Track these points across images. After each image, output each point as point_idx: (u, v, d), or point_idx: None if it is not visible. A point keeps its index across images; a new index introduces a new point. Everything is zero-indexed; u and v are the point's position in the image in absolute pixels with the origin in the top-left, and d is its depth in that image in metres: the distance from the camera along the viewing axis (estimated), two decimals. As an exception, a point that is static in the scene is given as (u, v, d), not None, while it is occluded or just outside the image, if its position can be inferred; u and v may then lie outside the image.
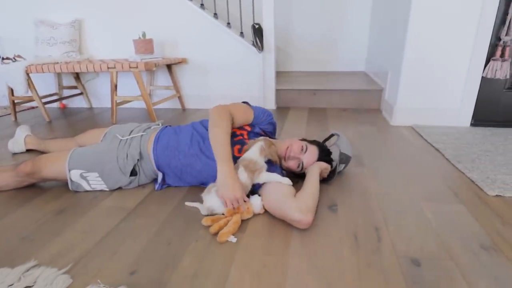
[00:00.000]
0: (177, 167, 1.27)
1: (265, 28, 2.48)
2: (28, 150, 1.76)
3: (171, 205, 1.19)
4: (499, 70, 1.90)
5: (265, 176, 1.14)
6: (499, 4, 1.82)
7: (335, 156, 1.31)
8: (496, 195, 1.22)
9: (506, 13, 1.83)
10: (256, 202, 1.10)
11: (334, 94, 2.71)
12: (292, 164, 1.26)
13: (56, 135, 2.11)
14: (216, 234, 0.99)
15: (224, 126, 1.18)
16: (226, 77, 2.70)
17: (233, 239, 0.98)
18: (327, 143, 1.41)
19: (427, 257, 0.89)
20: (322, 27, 3.68)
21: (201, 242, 0.98)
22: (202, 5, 2.56)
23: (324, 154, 1.29)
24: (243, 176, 1.10)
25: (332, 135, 1.48)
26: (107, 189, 1.30)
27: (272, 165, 1.20)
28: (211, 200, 1.11)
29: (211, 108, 1.24)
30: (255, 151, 1.16)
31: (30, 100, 2.52)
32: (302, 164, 1.25)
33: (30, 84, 2.39)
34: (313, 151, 1.27)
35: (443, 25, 1.92)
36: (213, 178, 1.13)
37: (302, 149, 1.25)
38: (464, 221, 1.06)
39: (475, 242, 0.95)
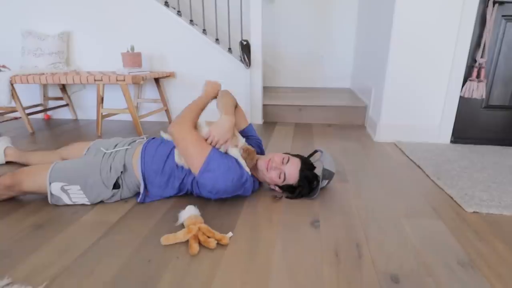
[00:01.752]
0: (166, 171, 1.27)
1: (253, 44, 2.53)
2: (8, 163, 1.71)
3: (153, 220, 1.18)
4: (476, 90, 1.99)
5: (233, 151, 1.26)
6: (474, 28, 1.93)
7: (318, 171, 1.33)
8: (474, 212, 1.26)
9: (480, 36, 1.93)
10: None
11: (319, 110, 2.77)
12: (273, 175, 1.28)
13: (39, 147, 2.07)
14: (197, 251, 0.99)
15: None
16: (214, 92, 2.72)
17: (229, 234, 1.07)
18: (311, 159, 1.44)
19: (406, 274, 0.90)
20: (309, 44, 3.78)
21: (182, 259, 0.96)
22: (191, 21, 2.61)
23: (307, 167, 1.31)
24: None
25: (316, 151, 1.51)
26: (88, 203, 1.27)
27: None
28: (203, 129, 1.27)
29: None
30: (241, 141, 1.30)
31: (13, 110, 2.47)
32: (285, 175, 1.27)
33: (14, 94, 2.35)
34: (295, 163, 1.29)
35: (422, 47, 2.01)
36: None
37: (283, 161, 1.28)
38: (443, 237, 1.09)
39: (453, 258, 0.97)
